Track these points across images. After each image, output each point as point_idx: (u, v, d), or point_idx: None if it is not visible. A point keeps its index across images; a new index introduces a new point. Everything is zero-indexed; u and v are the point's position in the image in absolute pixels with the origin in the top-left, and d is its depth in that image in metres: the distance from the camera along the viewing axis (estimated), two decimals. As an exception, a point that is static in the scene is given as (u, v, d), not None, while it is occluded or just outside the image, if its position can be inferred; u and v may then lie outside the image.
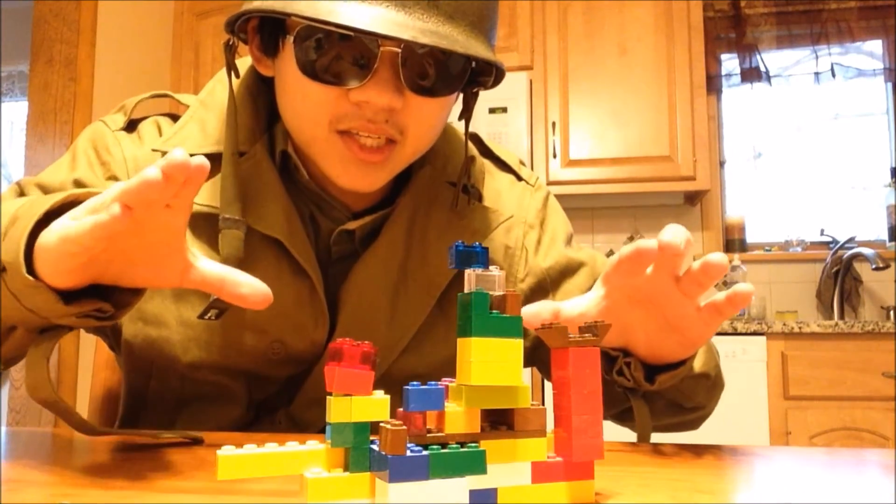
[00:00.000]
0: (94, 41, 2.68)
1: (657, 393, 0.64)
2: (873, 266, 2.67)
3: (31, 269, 0.47)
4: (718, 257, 0.50)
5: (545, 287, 0.79)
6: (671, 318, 0.55)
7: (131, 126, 0.76)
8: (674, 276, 0.53)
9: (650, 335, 0.57)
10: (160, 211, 0.46)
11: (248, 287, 0.51)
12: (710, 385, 0.70)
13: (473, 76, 0.71)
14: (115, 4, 2.80)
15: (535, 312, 0.55)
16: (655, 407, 0.66)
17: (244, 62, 0.76)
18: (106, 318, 0.51)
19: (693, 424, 0.76)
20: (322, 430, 0.74)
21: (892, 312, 2.87)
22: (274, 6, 0.60)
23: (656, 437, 0.64)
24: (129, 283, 0.51)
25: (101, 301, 0.50)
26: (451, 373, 0.78)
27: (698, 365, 0.66)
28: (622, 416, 0.74)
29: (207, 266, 0.52)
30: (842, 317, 2.91)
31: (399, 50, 0.61)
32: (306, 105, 0.65)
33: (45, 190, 0.70)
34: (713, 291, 0.54)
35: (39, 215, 0.48)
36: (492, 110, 2.81)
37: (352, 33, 0.60)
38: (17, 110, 4.21)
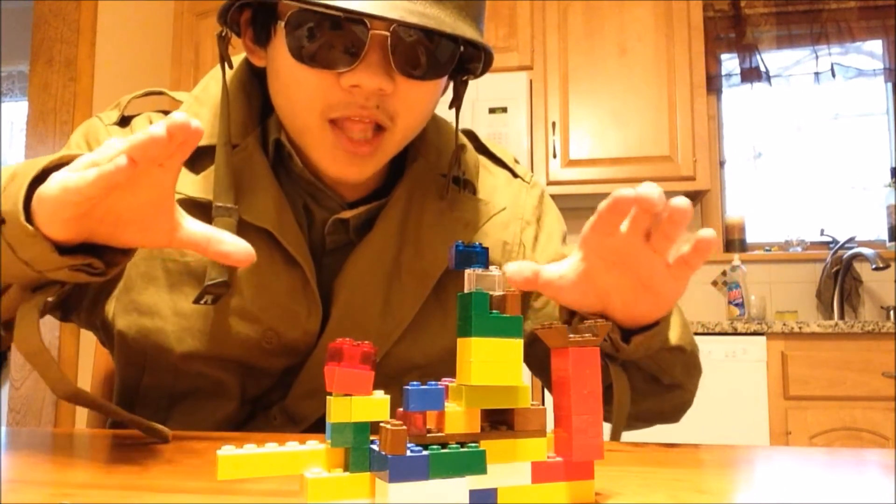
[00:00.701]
0: (94, 41, 2.68)
1: (635, 364, 0.66)
2: (873, 266, 2.67)
3: (28, 221, 0.49)
4: (682, 201, 0.51)
5: None
6: (644, 276, 0.56)
7: (124, 121, 0.77)
8: (644, 234, 0.54)
9: (625, 296, 0.58)
10: (153, 170, 0.48)
11: (232, 245, 0.53)
12: (687, 361, 0.70)
13: (463, 63, 0.73)
14: (115, 4, 2.80)
15: (517, 270, 0.56)
16: (634, 380, 0.67)
17: (238, 58, 0.77)
18: (96, 273, 0.52)
19: (673, 413, 0.76)
20: (317, 424, 0.74)
21: (892, 312, 2.87)
22: None
23: (653, 436, 0.64)
24: (118, 242, 0.53)
25: (93, 257, 0.51)
26: (448, 362, 0.78)
27: (674, 337, 0.67)
28: (603, 398, 0.73)
29: (194, 226, 0.54)
30: (842, 317, 2.91)
31: (388, 34, 0.63)
32: (299, 92, 0.66)
33: None
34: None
35: (38, 170, 0.49)
36: (492, 110, 2.81)
37: (341, 15, 0.61)
38: (17, 110, 4.21)
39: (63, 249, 0.50)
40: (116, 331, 0.72)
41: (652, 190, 0.51)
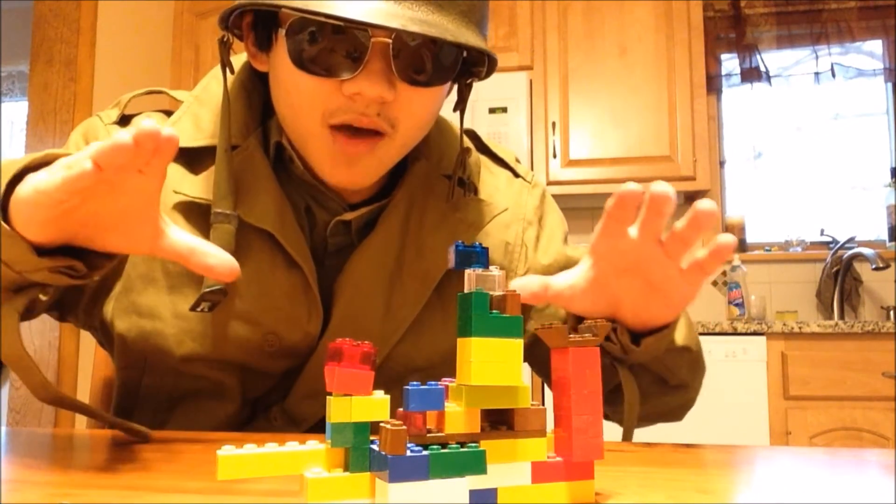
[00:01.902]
0: (94, 41, 2.68)
1: (642, 366, 0.66)
2: (873, 266, 2.67)
3: (7, 222, 0.48)
4: (707, 204, 0.50)
5: None
6: (656, 280, 0.56)
7: (124, 121, 0.76)
8: (657, 238, 0.54)
9: (636, 301, 0.58)
10: (133, 176, 0.47)
11: (216, 258, 0.53)
12: (693, 360, 0.70)
13: (467, 67, 0.72)
14: (115, 4, 2.80)
15: (523, 285, 0.56)
16: (641, 382, 0.67)
17: (240, 59, 0.77)
18: (79, 276, 0.52)
19: (677, 412, 0.76)
20: (317, 425, 0.74)
21: (892, 312, 2.87)
22: (266, 0, 0.61)
23: (653, 437, 0.64)
24: (101, 246, 0.52)
25: (75, 260, 0.51)
26: (449, 364, 0.78)
27: (680, 338, 0.67)
28: (610, 400, 0.73)
29: (178, 236, 0.53)
30: (842, 317, 2.91)
31: (390, 41, 0.62)
32: (300, 99, 0.66)
33: None
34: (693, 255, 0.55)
35: (18, 169, 0.49)
36: (492, 110, 2.81)
37: (342, 24, 0.60)
38: (17, 110, 4.21)
39: (44, 251, 0.49)
40: (116, 333, 0.72)
41: (666, 188, 0.50)
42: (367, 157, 0.67)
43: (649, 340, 0.60)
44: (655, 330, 0.60)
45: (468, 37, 0.63)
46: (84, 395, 2.45)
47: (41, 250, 0.49)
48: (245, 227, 0.69)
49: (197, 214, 0.70)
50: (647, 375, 0.68)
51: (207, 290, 0.65)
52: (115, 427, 0.58)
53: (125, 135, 0.42)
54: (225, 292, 0.66)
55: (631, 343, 0.60)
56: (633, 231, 0.54)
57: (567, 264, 0.80)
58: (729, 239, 0.51)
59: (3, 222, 0.47)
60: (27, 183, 0.46)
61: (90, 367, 0.99)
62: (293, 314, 0.70)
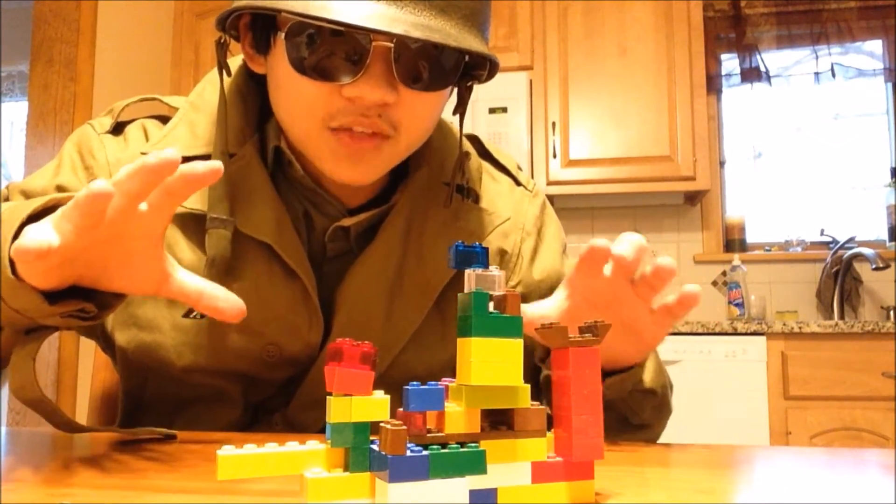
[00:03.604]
0: (94, 41, 2.68)
1: (606, 405, 0.65)
2: (873, 266, 2.67)
3: (14, 271, 0.47)
4: (668, 261, 0.53)
5: (532, 300, 0.79)
6: (627, 319, 0.57)
7: (118, 129, 0.75)
8: (630, 278, 0.55)
9: (607, 338, 0.58)
10: (138, 218, 0.47)
11: (225, 301, 0.52)
12: (658, 404, 0.70)
13: (468, 70, 0.71)
14: (115, 4, 2.80)
15: None
16: (604, 419, 0.67)
17: (234, 61, 0.76)
18: (90, 318, 0.52)
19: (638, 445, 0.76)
20: (319, 432, 0.74)
21: (892, 312, 2.87)
22: (264, 3, 0.60)
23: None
24: (106, 288, 0.52)
25: (84, 301, 0.51)
26: (448, 374, 0.78)
27: (647, 380, 0.67)
28: None
29: (186, 278, 0.53)
30: (842, 317, 2.91)
31: (391, 45, 0.61)
32: (299, 102, 0.65)
33: (28, 195, 0.70)
34: (667, 292, 0.57)
35: (23, 219, 0.48)
36: (492, 110, 2.81)
37: (343, 29, 0.60)
38: (17, 110, 4.21)
39: (55, 295, 0.49)
40: (117, 346, 0.72)
41: (626, 249, 0.52)
42: (372, 154, 0.67)
43: (615, 380, 0.61)
44: (622, 369, 0.61)
45: (470, 41, 0.62)
46: (84, 396, 2.45)
47: (51, 294, 0.49)
48: (243, 237, 0.68)
49: (193, 226, 0.69)
50: (609, 413, 0.67)
51: None
52: (142, 435, 0.59)
53: (101, 184, 0.42)
54: None
55: None
56: (607, 269, 0.55)
57: (558, 282, 0.80)
58: (694, 288, 0.54)
59: (11, 275, 0.47)
60: (25, 236, 0.44)
61: (90, 368, 0.99)
62: (293, 324, 0.70)
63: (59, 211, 0.45)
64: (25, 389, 0.51)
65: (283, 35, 0.62)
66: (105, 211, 0.43)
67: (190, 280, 0.53)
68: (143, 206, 0.48)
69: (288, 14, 0.60)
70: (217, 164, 0.46)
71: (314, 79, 0.63)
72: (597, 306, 0.57)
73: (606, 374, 0.61)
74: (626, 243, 0.53)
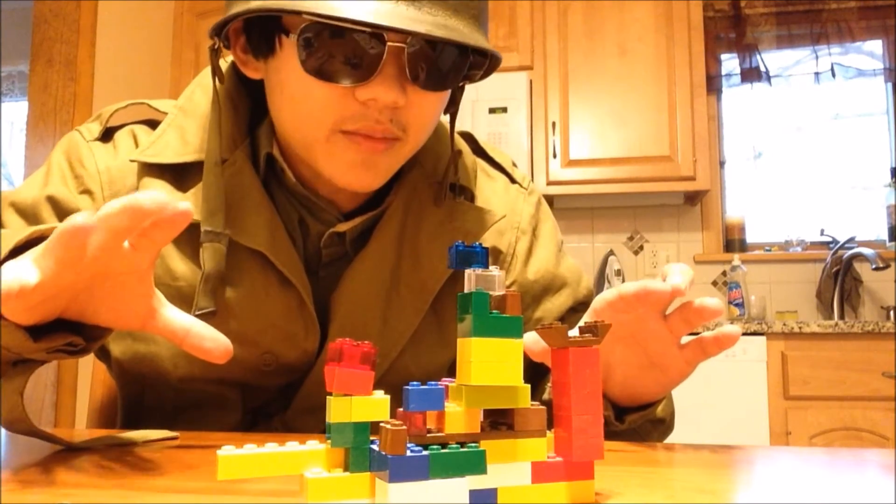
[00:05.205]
0: (94, 41, 2.68)
1: (616, 433, 0.64)
2: (873, 266, 2.67)
3: None
4: (714, 303, 0.52)
5: (525, 300, 0.79)
6: (653, 354, 0.56)
7: (107, 135, 0.74)
8: (662, 312, 0.54)
9: (629, 372, 0.58)
10: (123, 255, 0.45)
11: (212, 341, 0.51)
12: (664, 429, 0.69)
13: (467, 69, 0.71)
14: (115, 4, 2.80)
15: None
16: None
17: (222, 64, 0.73)
18: (77, 351, 0.50)
19: None
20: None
21: (892, 312, 2.87)
22: (283, 5, 0.58)
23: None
24: (91, 321, 0.50)
25: (72, 335, 0.49)
26: (448, 377, 0.78)
27: (659, 410, 0.65)
28: None
29: (172, 314, 0.51)
30: (842, 317, 2.91)
31: (405, 45, 0.61)
32: (310, 106, 0.63)
33: (18, 207, 0.70)
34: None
35: (4, 254, 0.47)
36: (492, 110, 2.81)
37: (366, 29, 0.58)
38: (17, 110, 4.21)
39: (41, 330, 0.47)
40: (112, 357, 0.71)
41: (684, 280, 0.51)
42: (385, 159, 0.66)
43: (634, 417, 0.59)
44: (641, 406, 0.60)
45: (481, 40, 0.62)
46: (84, 397, 2.45)
47: (39, 329, 0.47)
48: (237, 246, 0.67)
49: (185, 235, 0.67)
50: (615, 436, 0.67)
51: (199, 312, 0.64)
52: (142, 440, 0.58)
53: (83, 217, 0.39)
54: (215, 313, 0.65)
55: (615, 419, 0.59)
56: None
57: (552, 283, 0.80)
58: (735, 330, 0.52)
59: None
60: (3, 274, 0.43)
61: (90, 370, 0.99)
62: (289, 333, 0.69)
63: (41, 246, 0.43)
64: (15, 424, 0.50)
65: (292, 37, 0.61)
66: (86, 245, 0.41)
67: (177, 317, 0.51)
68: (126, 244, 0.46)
69: (309, 15, 0.58)
70: (187, 207, 0.43)
71: (328, 80, 0.61)
72: (620, 339, 0.55)
73: (624, 410, 0.60)
74: (677, 275, 0.52)
